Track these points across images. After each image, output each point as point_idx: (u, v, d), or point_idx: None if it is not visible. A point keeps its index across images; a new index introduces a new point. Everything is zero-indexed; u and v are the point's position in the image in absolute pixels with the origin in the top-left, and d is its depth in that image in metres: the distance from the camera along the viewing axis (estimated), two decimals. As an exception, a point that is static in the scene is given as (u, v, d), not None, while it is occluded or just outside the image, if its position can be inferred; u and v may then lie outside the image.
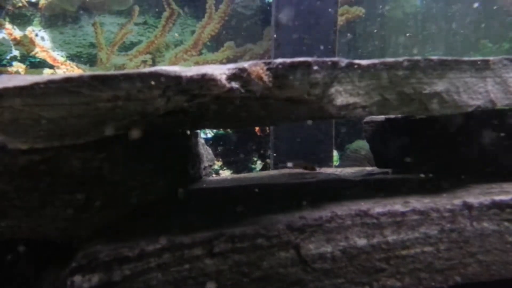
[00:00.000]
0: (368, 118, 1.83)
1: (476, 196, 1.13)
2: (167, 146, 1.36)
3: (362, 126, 1.94)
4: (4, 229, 0.87)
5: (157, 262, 0.86)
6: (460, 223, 1.06)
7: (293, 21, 2.71)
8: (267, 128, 3.44)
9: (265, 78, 0.90)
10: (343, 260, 0.98)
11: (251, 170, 3.68)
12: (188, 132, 1.60)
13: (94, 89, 0.75)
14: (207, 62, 3.64)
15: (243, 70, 0.88)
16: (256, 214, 1.04)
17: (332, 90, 1.00)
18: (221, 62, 3.66)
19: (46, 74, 3.40)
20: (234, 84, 0.87)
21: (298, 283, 0.94)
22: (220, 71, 0.86)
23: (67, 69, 3.56)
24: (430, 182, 1.41)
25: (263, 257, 0.93)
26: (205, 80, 0.83)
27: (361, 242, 1.00)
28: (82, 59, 4.18)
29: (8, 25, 3.56)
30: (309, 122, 2.27)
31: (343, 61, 1.00)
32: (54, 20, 4.23)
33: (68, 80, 0.73)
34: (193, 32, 4.06)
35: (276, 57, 2.70)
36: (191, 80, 0.82)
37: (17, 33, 3.57)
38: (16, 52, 3.87)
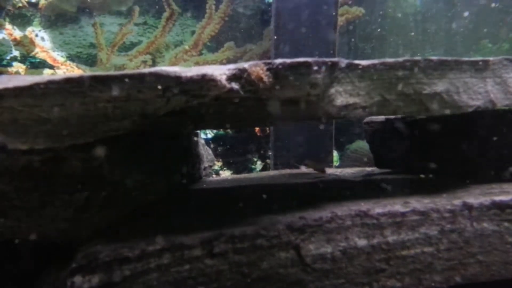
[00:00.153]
0: (368, 119, 1.83)
1: (476, 197, 1.13)
2: (167, 147, 1.36)
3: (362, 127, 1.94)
4: (4, 229, 0.87)
5: (157, 263, 0.86)
6: (460, 223, 1.06)
7: (293, 21, 2.71)
8: (267, 128, 3.44)
9: (265, 79, 0.90)
10: (343, 260, 0.98)
11: (251, 170, 3.68)
12: (188, 133, 1.60)
13: (94, 90, 0.75)
14: (207, 63, 3.64)
15: (243, 70, 0.88)
16: (256, 214, 1.04)
17: (332, 90, 1.00)
18: (221, 63, 3.66)
19: (46, 74, 3.40)
20: (234, 85, 0.87)
21: (298, 283, 0.94)
22: (220, 72, 0.86)
23: (67, 70, 3.56)
24: (430, 182, 1.41)
25: (263, 258, 0.93)
26: (205, 81, 0.83)
27: (361, 242, 1.00)
28: (82, 59, 4.18)
29: (8, 26, 3.56)
30: (309, 122, 2.27)
31: (343, 62, 1.00)
32: (54, 20, 4.23)
33: (68, 81, 0.73)
34: (193, 32, 4.06)
35: (276, 57, 2.70)
36: (191, 80, 0.82)
37: (17, 33, 3.57)
38: (16, 53, 3.87)
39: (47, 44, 4.05)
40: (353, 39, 4.77)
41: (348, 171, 1.97)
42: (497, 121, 1.38)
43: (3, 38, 3.75)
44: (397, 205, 1.07)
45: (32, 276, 0.98)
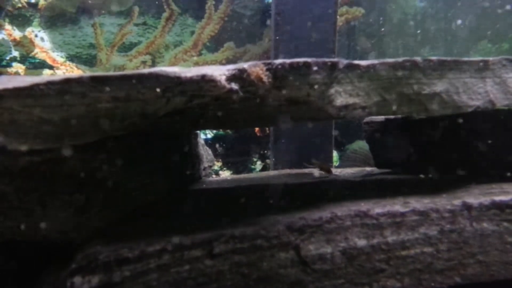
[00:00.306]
0: (368, 119, 1.83)
1: (476, 197, 1.13)
2: (167, 147, 1.36)
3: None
4: (4, 230, 0.87)
5: (157, 263, 0.86)
6: (460, 223, 1.06)
7: (292, 21, 2.71)
8: (267, 128, 3.44)
9: (265, 79, 0.90)
10: (343, 260, 0.98)
11: (251, 170, 3.68)
12: (188, 133, 1.61)
13: (94, 90, 0.75)
14: (206, 63, 3.64)
15: (242, 71, 0.88)
16: (256, 214, 1.04)
17: (332, 90, 1.00)
18: (221, 63, 3.66)
19: (46, 74, 3.40)
20: (234, 85, 0.87)
21: (298, 284, 0.94)
22: (219, 72, 0.86)
23: (66, 70, 3.56)
24: (430, 183, 1.41)
25: (263, 258, 0.93)
26: (205, 81, 0.83)
27: (361, 242, 1.00)
28: (81, 59, 4.18)
29: (7, 26, 3.56)
30: (309, 122, 2.27)
31: (343, 62, 1.00)
32: (54, 20, 4.23)
33: (67, 81, 0.73)
34: (192, 32, 4.06)
35: (275, 57, 2.70)
36: (190, 81, 0.82)
37: (17, 34, 3.57)
38: (15, 53, 3.87)
39: (47, 44, 4.05)
40: (353, 39, 4.77)
41: (348, 171, 1.97)
42: (497, 121, 1.38)
43: (3, 39, 3.75)
44: (396, 205, 1.07)
45: (32, 276, 0.98)
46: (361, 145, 3.56)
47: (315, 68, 0.95)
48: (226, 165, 3.67)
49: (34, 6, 4.13)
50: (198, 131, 1.84)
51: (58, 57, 3.74)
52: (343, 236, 1.00)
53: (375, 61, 1.03)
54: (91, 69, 3.80)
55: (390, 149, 1.74)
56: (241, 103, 0.97)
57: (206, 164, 1.97)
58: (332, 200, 1.16)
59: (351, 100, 1.03)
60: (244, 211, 1.10)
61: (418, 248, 1.02)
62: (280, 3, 2.72)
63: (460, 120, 1.35)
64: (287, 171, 2.19)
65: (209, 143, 3.68)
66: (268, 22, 3.63)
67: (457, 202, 1.09)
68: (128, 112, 0.83)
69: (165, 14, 3.77)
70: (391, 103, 1.08)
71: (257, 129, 3.61)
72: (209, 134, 3.77)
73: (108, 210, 0.98)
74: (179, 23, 4.54)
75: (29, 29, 3.74)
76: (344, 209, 1.04)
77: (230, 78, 0.87)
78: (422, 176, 1.52)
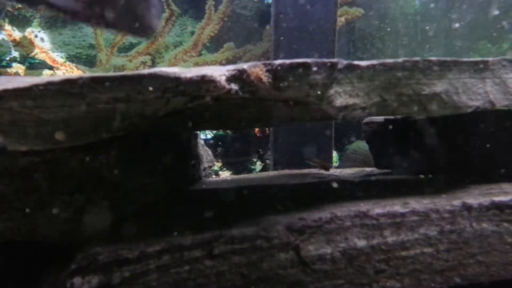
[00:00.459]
0: (367, 119, 1.83)
1: (476, 197, 1.13)
2: (166, 147, 1.36)
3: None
4: (5, 230, 0.87)
5: (157, 264, 0.85)
6: (460, 224, 1.06)
7: (292, 22, 2.71)
8: (267, 129, 3.44)
9: (265, 80, 0.90)
10: (343, 261, 0.98)
11: (250, 171, 3.68)
12: (188, 133, 1.61)
13: (94, 91, 0.75)
14: (206, 63, 3.64)
15: (242, 71, 0.88)
16: (256, 215, 1.04)
17: (332, 91, 1.00)
18: (221, 63, 3.66)
19: (46, 75, 3.40)
20: (234, 86, 0.87)
21: (298, 284, 0.94)
22: (219, 73, 0.86)
23: (66, 70, 3.56)
24: (430, 183, 1.41)
25: (263, 259, 0.93)
26: (205, 82, 0.83)
27: (361, 243, 1.00)
28: (81, 60, 4.18)
29: (7, 26, 3.56)
30: (309, 123, 2.27)
31: (342, 63, 1.00)
32: (54, 21, 4.23)
33: (67, 82, 0.73)
34: (192, 33, 4.06)
35: (275, 58, 2.70)
36: (190, 81, 0.82)
37: (17, 34, 3.57)
38: (15, 53, 3.87)
39: (47, 45, 4.05)
40: (352, 40, 4.77)
41: (348, 172, 1.97)
42: (497, 122, 1.38)
43: (3, 39, 3.75)
44: (396, 206, 1.07)
45: (32, 276, 0.98)
46: (360, 146, 3.56)
47: (314, 68, 0.95)
48: (226, 165, 3.67)
49: (34, 6, 4.13)
50: (198, 132, 1.84)
51: (58, 57, 3.74)
52: (343, 237, 1.00)
53: (375, 62, 1.03)
54: (91, 70, 3.80)
55: (389, 149, 1.75)
56: (241, 104, 0.97)
57: (206, 165, 1.97)
58: (331, 200, 1.16)
59: (350, 101, 1.03)
60: (244, 212, 1.10)
61: (418, 248, 1.02)
62: (280, 4, 2.73)
63: (460, 121, 1.35)
64: (287, 171, 2.19)
65: (209, 143, 3.68)
66: (268, 22, 3.63)
67: (456, 202, 1.09)
68: (128, 113, 0.83)
69: (165, 15, 3.77)
70: (391, 104, 1.08)
71: (257, 129, 3.61)
72: (209, 134, 3.77)
73: (107, 211, 0.98)
74: (179, 23, 4.54)
75: (29, 30, 3.73)
76: (343, 210, 1.04)
77: (230, 79, 0.87)
78: (421, 176, 1.52)
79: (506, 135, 1.37)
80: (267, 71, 0.90)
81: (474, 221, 1.07)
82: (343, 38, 4.65)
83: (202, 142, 1.97)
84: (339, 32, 3.49)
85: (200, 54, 3.88)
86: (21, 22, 4.10)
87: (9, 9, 3.96)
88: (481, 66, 1.15)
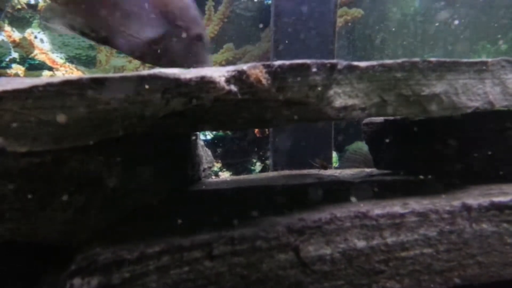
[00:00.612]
0: (367, 120, 1.83)
1: (475, 198, 1.13)
2: (166, 148, 1.36)
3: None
4: (4, 231, 0.87)
5: (156, 265, 0.86)
6: (459, 224, 1.06)
7: (292, 22, 2.72)
8: (266, 129, 3.44)
9: (264, 81, 0.90)
10: (343, 262, 0.98)
11: (250, 171, 3.68)
12: (188, 134, 1.61)
13: (93, 92, 0.75)
14: (206, 64, 3.63)
15: (242, 72, 0.88)
16: (255, 216, 1.04)
17: (331, 92, 1.01)
18: (220, 64, 3.66)
19: (45, 76, 3.40)
20: (233, 87, 0.87)
21: (298, 285, 0.94)
22: (219, 74, 0.86)
23: (66, 71, 3.56)
24: (429, 183, 1.41)
25: (263, 260, 0.93)
26: (204, 83, 0.83)
27: (361, 244, 1.00)
28: (81, 61, 4.18)
29: (7, 27, 3.56)
30: (308, 123, 2.27)
31: (342, 63, 1.00)
32: (53, 22, 4.22)
33: (66, 83, 0.73)
34: (192, 33, 4.05)
35: (275, 59, 2.70)
36: (190, 82, 0.82)
37: (16, 35, 3.57)
38: (15, 54, 3.87)
39: (46, 45, 4.05)
40: (352, 40, 4.78)
41: (347, 172, 1.97)
42: (496, 122, 1.38)
43: (2, 40, 3.75)
44: (396, 206, 1.07)
45: (32, 277, 0.98)
46: (360, 146, 3.56)
47: (314, 69, 0.95)
48: (226, 166, 3.67)
49: (34, 7, 4.13)
50: (198, 132, 1.84)
51: (57, 58, 3.74)
52: (342, 237, 1.00)
53: (374, 63, 1.04)
54: (90, 70, 3.80)
55: (389, 150, 1.75)
56: (241, 105, 0.97)
57: (205, 165, 1.97)
58: (331, 201, 1.16)
59: (350, 102, 1.03)
60: (244, 212, 1.10)
61: (418, 249, 1.02)
62: (280, 5, 2.73)
63: (460, 121, 1.35)
64: (287, 172, 2.19)
65: (208, 144, 3.68)
66: (268, 23, 3.63)
67: (456, 203, 1.09)
68: (128, 114, 0.83)
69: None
70: (390, 104, 1.08)
71: (256, 130, 3.61)
72: (209, 135, 3.77)
73: (107, 212, 0.98)
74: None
75: (28, 31, 3.74)
76: (343, 210, 1.04)
77: (229, 80, 0.87)
78: (421, 177, 1.52)
79: (506, 135, 1.37)
80: (267, 72, 0.91)
81: (473, 221, 1.07)
82: (343, 38, 4.65)
83: (202, 142, 1.97)
84: (339, 32, 3.49)
85: (199, 55, 3.87)
86: (20, 23, 4.11)
87: (9, 10, 3.97)
88: (481, 67, 1.15)
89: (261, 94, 0.92)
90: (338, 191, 1.36)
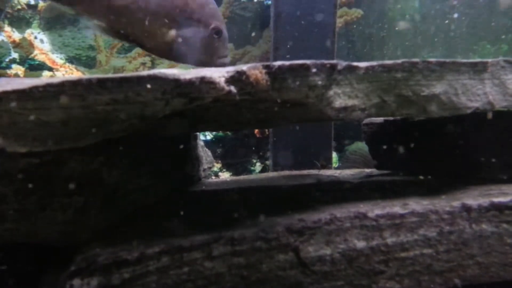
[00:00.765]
0: (367, 120, 1.83)
1: (475, 198, 1.13)
2: (166, 149, 1.36)
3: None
4: (3, 232, 0.87)
5: (156, 266, 0.85)
6: (459, 225, 1.06)
7: (292, 23, 2.72)
8: (266, 130, 3.44)
9: (264, 81, 0.90)
10: (342, 262, 0.98)
11: (250, 172, 3.68)
12: (187, 135, 1.61)
13: (93, 93, 0.75)
14: (206, 64, 3.63)
15: (241, 73, 0.88)
16: (255, 216, 1.04)
17: (331, 92, 1.01)
18: (220, 64, 3.66)
19: (45, 76, 3.40)
20: (233, 87, 0.87)
21: (297, 285, 0.94)
22: (219, 74, 0.86)
23: (66, 72, 3.56)
24: (429, 184, 1.41)
25: (262, 260, 0.93)
26: (204, 83, 0.83)
27: (360, 244, 1.00)
28: (81, 61, 4.18)
29: (7, 28, 3.56)
30: (308, 124, 2.27)
31: (342, 64, 1.00)
32: (53, 22, 4.23)
33: (66, 84, 0.73)
34: (192, 34, 4.05)
35: (275, 59, 2.70)
36: (189, 83, 0.82)
37: (16, 35, 3.57)
38: (15, 55, 3.87)
39: (46, 46, 4.05)
40: (351, 41, 4.78)
41: (347, 172, 1.97)
42: (496, 122, 1.38)
43: (2, 40, 3.75)
44: (396, 207, 1.07)
45: (32, 278, 0.98)
46: (360, 146, 3.56)
47: (314, 70, 0.95)
48: (226, 166, 3.67)
49: (34, 8, 4.13)
50: (198, 133, 1.84)
51: (57, 58, 3.74)
52: (342, 238, 1.00)
53: (374, 63, 1.04)
54: (90, 71, 3.80)
55: (389, 150, 1.75)
56: (240, 105, 0.97)
57: (205, 166, 1.97)
58: (331, 201, 1.16)
59: (350, 102, 1.03)
60: (243, 213, 1.10)
61: (418, 249, 1.02)
62: (280, 5, 2.73)
63: (460, 121, 1.35)
64: (286, 172, 2.19)
65: (208, 144, 3.68)
66: (268, 24, 3.63)
67: (456, 203, 1.09)
68: (127, 114, 0.83)
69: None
70: (390, 105, 1.08)
71: (256, 130, 3.61)
72: (209, 135, 3.77)
73: (107, 213, 0.98)
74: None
75: (28, 31, 3.74)
76: (343, 211, 1.04)
77: (229, 80, 0.87)
78: (421, 177, 1.52)
79: (506, 136, 1.37)
80: (267, 72, 0.91)
81: (473, 222, 1.07)
82: (343, 38, 4.65)
83: (201, 143, 1.97)
84: (339, 33, 3.49)
85: (199, 55, 3.87)
86: (20, 23, 4.10)
87: (9, 10, 3.96)
88: (480, 67, 1.15)
89: (261, 94, 0.92)
90: (338, 192, 1.36)
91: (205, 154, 2.00)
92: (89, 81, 0.74)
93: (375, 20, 4.89)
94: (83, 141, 0.85)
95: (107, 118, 0.81)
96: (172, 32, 1.35)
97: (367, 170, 2.07)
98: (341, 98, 1.02)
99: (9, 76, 3.41)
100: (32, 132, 0.77)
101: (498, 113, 1.35)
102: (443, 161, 1.49)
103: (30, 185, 0.85)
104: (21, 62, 3.83)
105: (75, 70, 3.61)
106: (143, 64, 3.76)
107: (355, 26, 4.65)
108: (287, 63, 0.92)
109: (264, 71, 0.90)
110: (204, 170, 1.94)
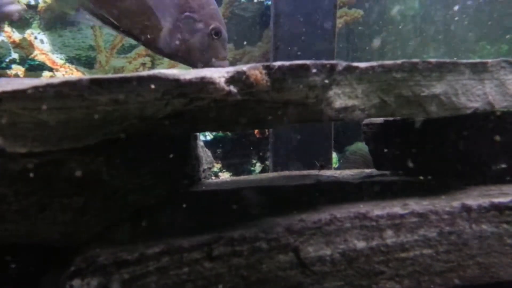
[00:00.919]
0: (367, 120, 1.83)
1: (475, 198, 1.13)
2: (166, 149, 1.36)
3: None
4: (3, 233, 0.87)
5: (156, 266, 0.85)
6: (459, 225, 1.06)
7: (292, 23, 2.72)
8: (266, 130, 3.44)
9: (264, 81, 0.90)
10: (342, 263, 0.98)
11: (250, 172, 3.68)
12: (187, 135, 1.61)
13: (93, 93, 0.75)
14: (206, 65, 3.63)
15: (241, 73, 0.88)
16: (255, 216, 1.04)
17: (331, 93, 1.01)
18: (220, 64, 3.66)
19: (45, 76, 3.40)
20: (233, 88, 0.87)
21: (297, 286, 0.94)
22: (219, 74, 0.86)
23: (66, 72, 3.56)
24: (429, 184, 1.41)
25: (262, 260, 0.93)
26: (204, 83, 0.83)
27: (360, 244, 1.00)
28: (81, 61, 4.18)
29: (7, 28, 3.56)
30: (308, 124, 2.27)
31: (342, 64, 1.00)
32: (53, 23, 4.23)
33: (66, 84, 0.73)
34: (192, 34, 4.04)
35: (275, 59, 2.70)
36: (189, 83, 0.82)
37: (16, 36, 3.56)
38: (15, 55, 3.87)
39: (46, 46, 4.05)
40: (352, 41, 4.78)
41: (347, 173, 1.97)
42: (496, 123, 1.38)
43: (2, 41, 3.75)
44: (396, 207, 1.07)
45: (31, 279, 0.98)
46: (360, 147, 3.56)
47: (314, 70, 0.95)
48: (226, 166, 3.67)
49: (34, 8, 4.13)
50: (198, 133, 1.84)
51: (57, 59, 3.74)
52: (342, 238, 1.00)
53: (374, 63, 1.04)
54: (90, 71, 3.80)
55: (389, 151, 1.75)
56: (240, 105, 0.97)
57: (205, 166, 1.97)
58: (331, 202, 1.16)
59: (350, 102, 1.03)
60: (243, 213, 1.10)
61: (418, 250, 1.02)
62: (279, 5, 2.73)
63: (460, 122, 1.35)
64: (286, 173, 2.19)
65: (208, 145, 3.68)
66: (268, 24, 3.63)
67: (456, 204, 1.09)
68: (127, 115, 0.83)
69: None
70: (390, 105, 1.08)
71: (256, 131, 3.61)
72: (209, 135, 3.77)
73: (107, 213, 0.98)
74: (179, 25, 4.52)
75: (28, 31, 3.73)
76: (343, 211, 1.04)
77: (229, 81, 0.87)
78: (421, 178, 1.52)
79: (506, 136, 1.37)
80: (267, 73, 0.91)
81: (473, 222, 1.07)
82: (343, 39, 4.66)
83: (201, 143, 1.97)
84: (339, 33, 3.49)
85: (199, 56, 3.86)
86: (20, 23, 4.10)
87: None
88: (480, 67, 1.15)
89: (261, 95, 0.93)
90: (338, 192, 1.36)
91: (205, 155, 2.00)
92: (89, 81, 0.74)
93: (375, 20, 4.89)
94: (83, 141, 0.85)
95: (107, 119, 0.81)
96: (172, 31, 1.36)
97: (367, 171, 2.07)
98: (341, 98, 1.02)
99: (9, 76, 3.41)
100: (32, 132, 0.77)
101: (498, 113, 1.35)
102: (443, 161, 1.49)
103: (30, 186, 0.85)
104: (21, 62, 3.83)
105: (75, 71, 3.61)
106: (143, 64, 3.76)
107: (355, 26, 4.66)
108: (287, 63, 0.92)
109: (264, 71, 0.90)
110: (204, 170, 1.93)
